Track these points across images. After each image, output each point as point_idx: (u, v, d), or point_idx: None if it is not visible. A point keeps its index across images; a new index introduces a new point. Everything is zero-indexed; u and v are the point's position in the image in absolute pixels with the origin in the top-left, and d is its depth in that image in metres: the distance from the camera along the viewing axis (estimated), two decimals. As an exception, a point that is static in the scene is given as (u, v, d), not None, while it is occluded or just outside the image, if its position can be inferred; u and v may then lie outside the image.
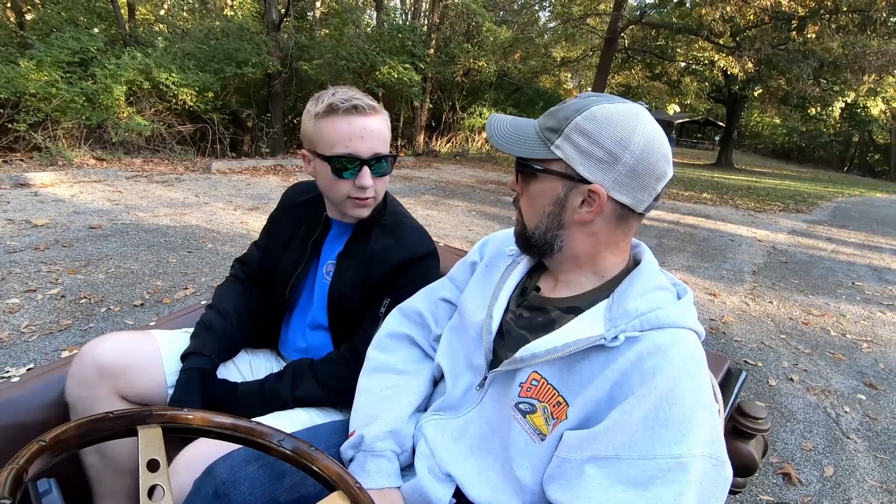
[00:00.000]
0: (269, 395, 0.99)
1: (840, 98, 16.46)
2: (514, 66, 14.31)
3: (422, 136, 13.65)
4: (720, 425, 0.61)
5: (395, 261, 1.02)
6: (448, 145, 13.82)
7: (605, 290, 0.72)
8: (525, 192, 0.75)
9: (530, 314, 0.77)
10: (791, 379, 2.85)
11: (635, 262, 0.76)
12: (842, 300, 4.39)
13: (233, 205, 5.27)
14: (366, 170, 0.97)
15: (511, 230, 0.92)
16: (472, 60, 12.12)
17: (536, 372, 0.70)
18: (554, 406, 0.68)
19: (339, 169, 0.96)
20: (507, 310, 0.80)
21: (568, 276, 0.76)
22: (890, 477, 2.11)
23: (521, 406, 0.71)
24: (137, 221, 4.31)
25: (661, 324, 0.64)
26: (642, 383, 0.61)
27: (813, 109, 18.90)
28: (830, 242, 6.93)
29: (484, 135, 14.32)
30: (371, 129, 0.97)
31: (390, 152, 1.01)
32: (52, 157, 6.36)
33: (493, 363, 0.78)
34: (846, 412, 2.58)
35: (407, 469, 0.82)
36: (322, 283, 1.09)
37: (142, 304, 2.80)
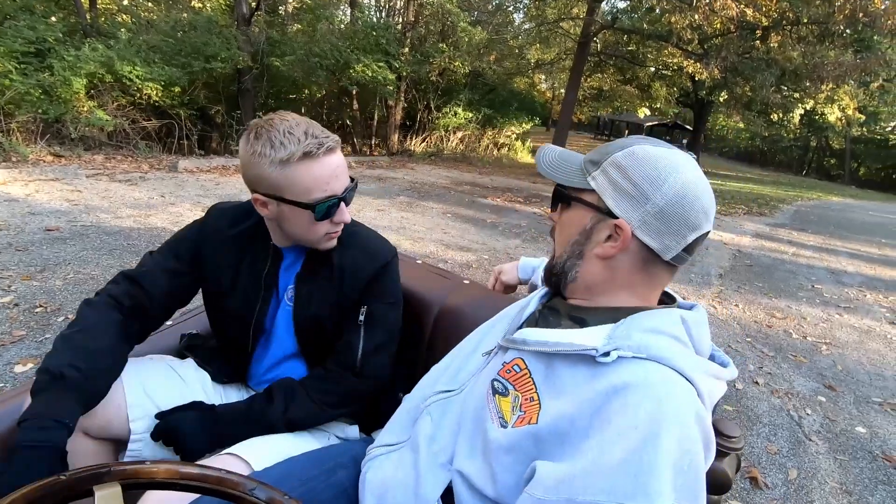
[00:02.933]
0: (258, 418, 0.94)
1: (800, 105, 17.11)
2: (488, 67, 14.34)
3: (396, 136, 13.54)
4: (704, 482, 0.58)
5: (369, 273, 1.01)
6: (423, 145, 13.76)
7: (619, 315, 0.69)
8: (559, 220, 0.77)
9: (548, 312, 0.78)
10: (756, 382, 2.94)
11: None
12: (802, 302, 4.57)
13: (200, 206, 5.10)
14: (342, 206, 0.94)
15: None
16: (446, 60, 12.09)
17: (521, 359, 0.69)
18: (526, 400, 0.66)
19: (322, 213, 0.91)
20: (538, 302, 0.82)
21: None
22: (848, 478, 2.19)
23: (495, 384, 0.70)
24: (98, 223, 4.13)
25: (660, 359, 0.60)
26: (623, 414, 0.57)
27: (775, 115, 19.63)
28: (791, 245, 7.21)
29: (459, 134, 14.33)
30: (341, 165, 0.93)
31: (352, 179, 0.97)
32: (6, 152, 6.03)
33: None
34: (808, 414, 2.68)
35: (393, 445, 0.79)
36: (285, 310, 1.04)
37: (103, 313, 2.67)
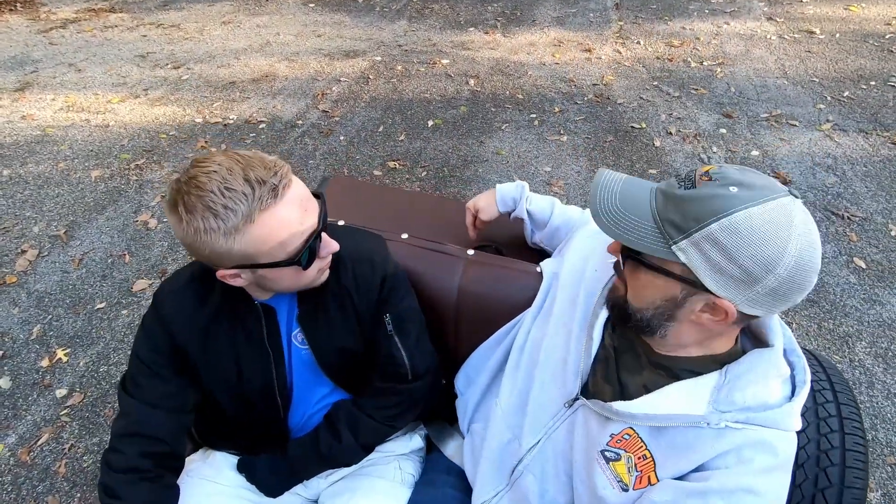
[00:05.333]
0: (332, 457, 0.92)
1: None
2: None
3: None
4: None
5: (378, 280, 0.90)
6: None
7: (706, 364, 0.68)
8: (631, 274, 0.67)
9: (621, 346, 0.74)
10: (670, 132, 3.16)
11: (755, 339, 0.71)
12: (694, 18, 4.59)
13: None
14: (324, 236, 0.76)
15: (578, 244, 0.89)
16: None
17: (631, 428, 0.69)
18: (639, 459, 0.69)
19: (307, 259, 0.74)
20: (604, 329, 0.76)
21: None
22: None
23: (606, 454, 0.71)
24: None
25: (767, 424, 0.62)
26: (738, 464, 0.62)
27: None
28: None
29: None
30: (304, 194, 0.73)
31: (318, 196, 0.77)
32: None
33: (584, 387, 0.76)
34: (714, 153, 2.99)
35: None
36: (301, 355, 0.90)
37: (-18, 297, 2.20)
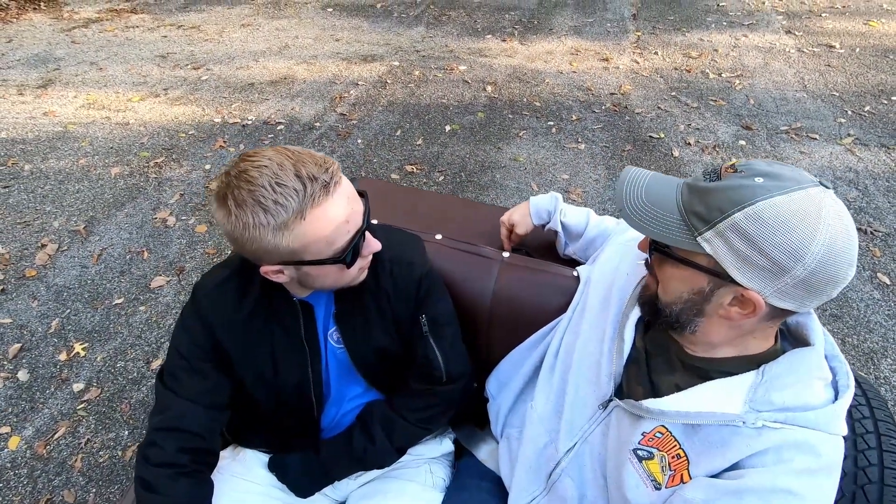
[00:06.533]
0: (366, 459, 0.91)
1: None
2: None
3: None
4: None
5: (416, 282, 0.89)
6: None
7: (741, 364, 0.66)
8: (659, 268, 0.68)
9: (653, 348, 0.74)
10: (688, 143, 3.13)
11: (795, 340, 0.69)
12: (712, 30, 4.58)
13: (11, 86, 3.84)
14: (367, 235, 0.76)
15: (611, 252, 0.88)
16: None
17: (662, 426, 0.68)
18: (673, 458, 0.67)
19: (352, 257, 0.73)
20: (635, 331, 0.76)
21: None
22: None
23: (639, 452, 0.70)
24: None
25: (808, 425, 0.60)
26: (777, 464, 0.60)
27: None
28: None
29: None
30: (351, 192, 0.72)
31: (362, 194, 0.76)
32: None
33: (618, 389, 0.75)
34: (734, 164, 2.97)
35: None
36: (337, 354, 0.90)
37: (2, 290, 2.22)
